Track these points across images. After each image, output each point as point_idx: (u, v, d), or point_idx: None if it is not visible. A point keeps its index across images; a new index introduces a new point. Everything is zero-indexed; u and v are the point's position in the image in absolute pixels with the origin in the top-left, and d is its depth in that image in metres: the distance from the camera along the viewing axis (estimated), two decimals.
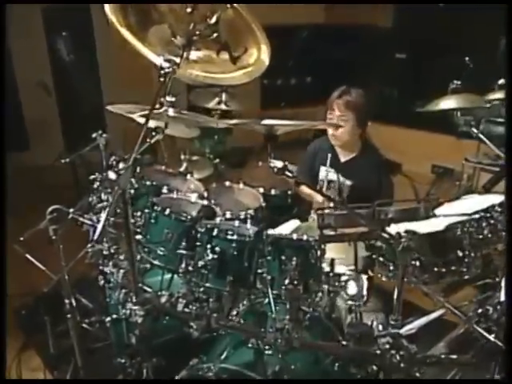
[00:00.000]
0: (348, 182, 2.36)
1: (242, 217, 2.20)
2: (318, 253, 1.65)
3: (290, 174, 1.41)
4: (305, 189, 2.52)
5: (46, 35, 4.83)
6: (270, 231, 1.64)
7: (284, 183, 2.92)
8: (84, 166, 2.88)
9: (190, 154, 2.67)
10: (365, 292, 2.49)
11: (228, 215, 2.18)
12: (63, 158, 2.34)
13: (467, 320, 1.33)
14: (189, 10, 1.32)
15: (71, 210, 1.50)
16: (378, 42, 5.50)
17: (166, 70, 1.28)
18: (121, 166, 1.19)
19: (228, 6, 1.25)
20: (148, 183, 2.19)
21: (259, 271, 1.60)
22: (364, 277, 2.38)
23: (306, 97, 5.78)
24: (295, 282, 1.48)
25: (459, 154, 3.99)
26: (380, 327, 1.43)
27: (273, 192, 2.60)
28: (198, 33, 1.31)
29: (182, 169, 2.58)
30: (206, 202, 2.19)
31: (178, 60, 1.34)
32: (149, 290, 1.71)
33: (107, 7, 1.31)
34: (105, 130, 2.51)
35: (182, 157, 2.64)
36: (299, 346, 1.32)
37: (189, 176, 2.50)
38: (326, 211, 1.47)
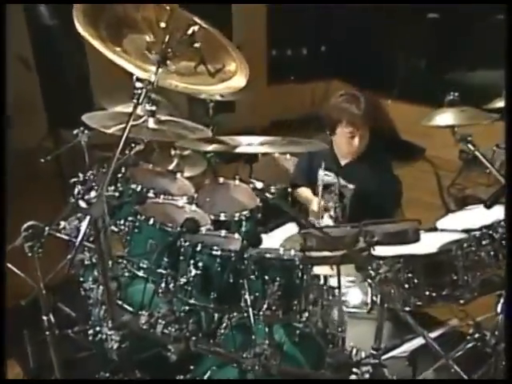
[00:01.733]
0: (351, 186, 2.45)
1: (236, 219, 2.36)
2: (305, 270, 1.78)
3: (270, 196, 1.54)
4: (302, 193, 2.64)
5: None
6: (255, 249, 1.76)
7: (285, 178, 3.05)
8: (69, 155, 3.04)
9: (182, 148, 2.77)
10: (369, 300, 2.65)
11: (222, 217, 2.34)
12: (44, 157, 2.51)
13: (446, 356, 1.47)
14: (163, 25, 1.43)
15: (47, 228, 1.65)
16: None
17: (139, 91, 1.41)
18: (92, 194, 1.33)
19: (197, 26, 1.36)
20: (133, 186, 2.34)
21: (242, 292, 1.74)
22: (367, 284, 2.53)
23: (319, 69, 5.83)
24: (273, 308, 1.62)
25: (491, 138, 3.97)
26: (362, 354, 1.58)
27: (272, 189, 2.72)
28: (170, 50, 1.43)
29: (171, 166, 2.72)
30: (193, 207, 2.34)
31: (152, 78, 1.47)
32: (128, 308, 1.88)
33: (77, 24, 1.43)
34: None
35: (173, 152, 2.76)
36: (277, 373, 1.48)
37: (178, 175, 2.64)
38: (311, 231, 1.60)
